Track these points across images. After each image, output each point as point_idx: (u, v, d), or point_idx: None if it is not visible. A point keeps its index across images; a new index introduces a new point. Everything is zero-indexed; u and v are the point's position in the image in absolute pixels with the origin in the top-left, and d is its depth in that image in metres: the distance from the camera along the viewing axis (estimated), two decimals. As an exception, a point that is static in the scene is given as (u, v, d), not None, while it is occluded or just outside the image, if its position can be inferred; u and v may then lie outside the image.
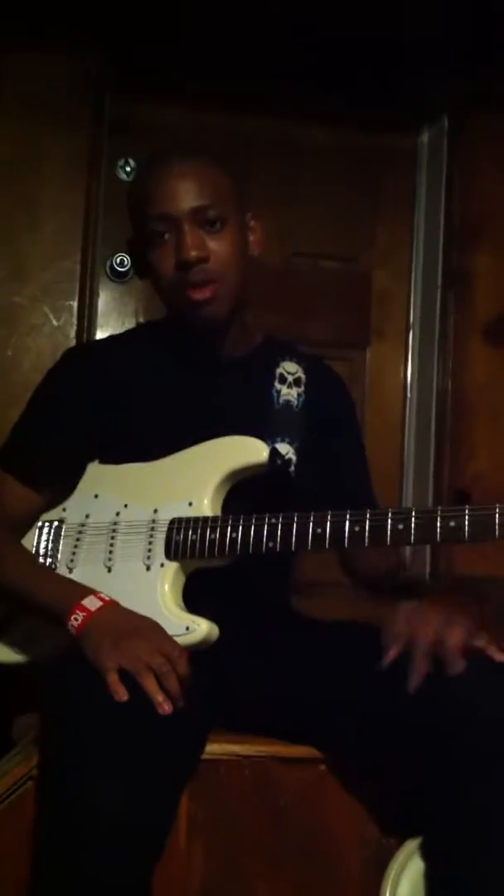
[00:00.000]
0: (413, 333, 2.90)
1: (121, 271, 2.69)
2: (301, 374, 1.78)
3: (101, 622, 1.50)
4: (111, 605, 1.53)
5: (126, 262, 2.68)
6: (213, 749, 1.55)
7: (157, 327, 1.83)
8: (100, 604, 1.52)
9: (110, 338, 1.91)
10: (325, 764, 1.57)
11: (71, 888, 1.33)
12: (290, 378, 1.75)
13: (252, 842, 1.56)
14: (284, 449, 1.71)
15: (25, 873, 1.39)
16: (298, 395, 1.73)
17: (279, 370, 1.77)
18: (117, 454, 1.71)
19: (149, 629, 1.50)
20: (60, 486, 1.74)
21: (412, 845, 1.47)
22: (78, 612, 1.51)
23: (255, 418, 1.70)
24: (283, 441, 1.71)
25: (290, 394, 1.73)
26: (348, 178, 2.86)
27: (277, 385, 1.74)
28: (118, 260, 2.69)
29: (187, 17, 2.47)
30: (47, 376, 1.79)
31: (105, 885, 1.33)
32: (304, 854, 1.56)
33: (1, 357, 2.50)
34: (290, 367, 1.78)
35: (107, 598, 1.54)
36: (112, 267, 2.70)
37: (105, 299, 2.71)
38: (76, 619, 1.51)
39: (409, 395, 2.88)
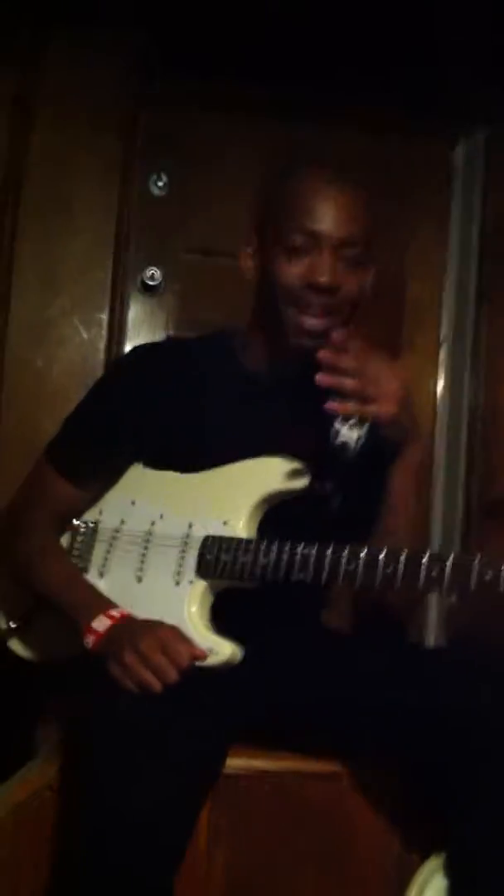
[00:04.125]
0: (445, 346, 2.87)
1: (151, 285, 2.69)
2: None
3: (112, 639, 1.52)
4: (120, 623, 1.54)
5: (157, 276, 2.68)
6: (235, 763, 1.55)
7: (233, 339, 1.79)
8: (108, 623, 1.54)
9: (178, 341, 1.89)
10: (347, 779, 1.56)
11: (93, 890, 1.34)
12: (352, 419, 1.64)
13: (272, 854, 1.56)
14: (333, 488, 1.68)
15: (42, 882, 1.39)
16: (358, 438, 1.62)
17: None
18: (162, 460, 1.70)
19: (158, 637, 1.49)
20: (102, 484, 1.73)
21: (435, 862, 1.46)
22: (89, 634, 1.54)
23: (311, 451, 1.64)
24: (331, 480, 1.68)
25: (349, 435, 1.65)
26: (382, 187, 2.83)
27: (337, 424, 1.61)
28: (149, 273, 2.69)
29: (222, 25, 2.47)
30: (108, 371, 1.79)
31: (127, 887, 1.34)
32: (324, 868, 1.56)
33: (31, 369, 2.51)
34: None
35: (116, 615, 1.55)
36: (143, 280, 2.70)
37: (135, 312, 2.70)
38: (88, 642, 1.54)
39: (439, 408, 2.85)
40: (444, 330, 2.88)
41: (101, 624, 1.54)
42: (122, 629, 1.52)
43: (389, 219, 2.82)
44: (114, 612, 1.55)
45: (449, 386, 2.85)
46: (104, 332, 2.58)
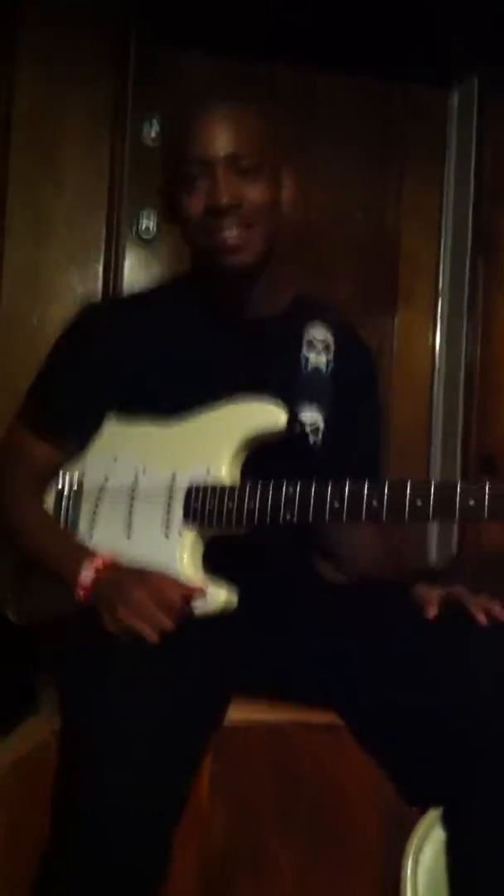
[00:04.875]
0: (442, 298, 2.85)
1: (146, 234, 2.66)
2: (330, 340, 1.74)
3: (101, 591, 1.51)
4: (106, 572, 1.53)
5: (151, 226, 2.65)
6: (234, 715, 1.55)
7: (182, 284, 1.79)
8: (93, 575, 1.53)
9: (132, 295, 1.89)
10: (345, 730, 1.56)
11: (91, 842, 1.34)
12: (319, 345, 1.70)
13: (272, 805, 1.57)
14: (313, 417, 1.67)
15: (44, 834, 1.40)
16: (327, 362, 1.69)
17: (307, 336, 1.73)
18: (135, 412, 1.69)
19: (148, 585, 1.48)
20: (78, 440, 1.72)
21: (433, 815, 1.46)
22: (77, 589, 1.53)
23: (284, 383, 1.66)
24: (311, 409, 1.68)
25: (318, 360, 1.69)
26: (375, 132, 2.81)
27: (306, 351, 1.69)
28: (144, 224, 2.66)
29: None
30: (65, 330, 1.77)
31: (127, 839, 1.34)
32: (322, 820, 1.57)
33: (27, 324, 2.50)
34: (318, 334, 1.73)
35: (100, 565, 1.53)
36: (137, 231, 2.67)
37: (131, 262, 2.69)
38: (78, 595, 1.53)
39: (437, 361, 2.83)
40: (442, 281, 2.86)
41: (87, 577, 1.53)
42: (110, 580, 1.52)
43: (383, 168, 2.81)
44: (97, 562, 1.54)
45: (446, 338, 2.83)
46: (100, 283, 2.58)
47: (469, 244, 2.76)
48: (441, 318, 2.86)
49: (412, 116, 2.84)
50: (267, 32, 2.58)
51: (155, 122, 2.69)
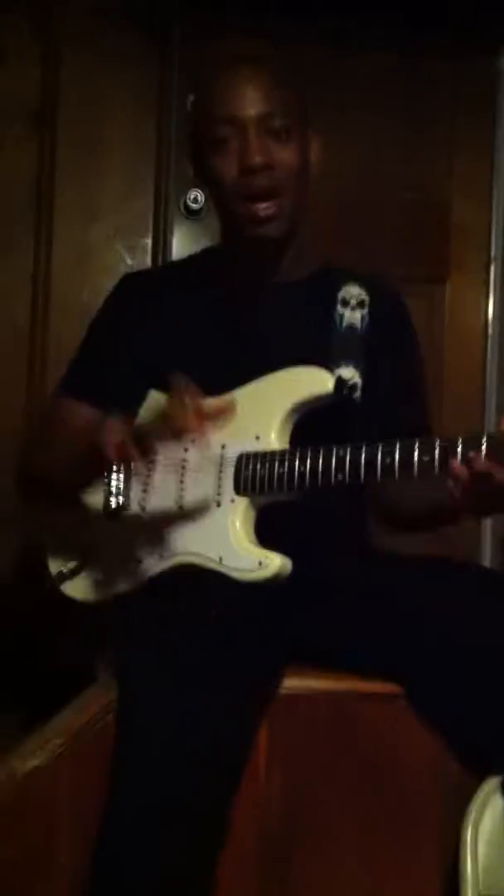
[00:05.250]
0: (495, 266, 2.80)
1: (195, 208, 2.65)
2: (364, 295, 1.73)
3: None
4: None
5: (200, 199, 2.64)
6: (291, 683, 1.54)
7: (215, 253, 1.80)
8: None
9: (169, 264, 1.89)
10: (404, 700, 1.54)
11: (148, 814, 1.34)
12: (353, 301, 1.69)
13: (330, 775, 1.56)
14: (349, 374, 1.66)
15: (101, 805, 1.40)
16: (362, 317, 1.68)
17: (341, 293, 1.72)
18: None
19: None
20: (116, 401, 1.68)
21: (494, 782, 1.45)
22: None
23: (318, 343, 1.66)
24: (347, 366, 1.67)
25: (353, 316, 1.68)
26: (424, 103, 2.76)
27: (340, 308, 1.69)
28: (192, 196, 2.65)
29: None
30: (104, 302, 1.78)
31: (183, 809, 1.34)
32: (382, 790, 1.55)
33: (76, 299, 2.50)
34: (352, 290, 1.73)
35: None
36: (186, 204, 2.66)
37: (179, 237, 2.67)
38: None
39: (490, 331, 2.79)
40: (494, 250, 2.81)
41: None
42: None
43: (432, 135, 2.76)
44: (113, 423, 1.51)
45: (499, 307, 2.79)
46: (148, 259, 2.58)
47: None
48: (494, 287, 2.80)
49: (460, 84, 2.78)
50: (306, 10, 2.54)
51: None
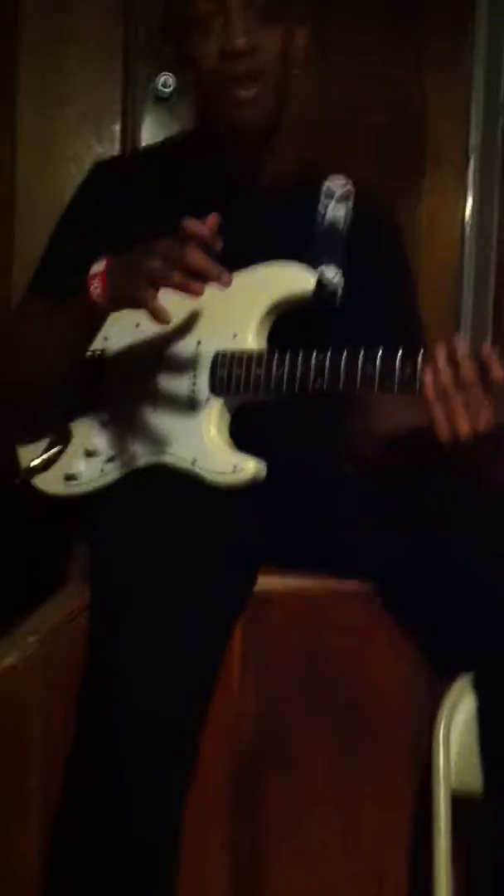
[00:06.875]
0: (473, 160, 2.73)
1: (165, 93, 2.57)
2: (350, 186, 1.66)
3: (118, 273, 1.44)
4: (115, 260, 1.47)
5: (170, 83, 2.55)
6: (263, 583, 1.54)
7: (191, 139, 1.73)
8: (103, 266, 1.46)
9: (142, 151, 1.83)
10: (377, 599, 1.55)
11: (118, 719, 1.33)
12: (337, 192, 1.63)
13: (304, 680, 1.56)
14: (331, 272, 1.60)
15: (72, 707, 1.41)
16: (347, 211, 1.62)
17: (326, 183, 1.66)
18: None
19: (163, 242, 1.42)
20: None
21: (465, 679, 1.46)
22: (93, 283, 1.46)
23: (298, 238, 1.61)
24: (328, 264, 1.60)
25: (337, 210, 1.62)
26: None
27: (324, 200, 1.62)
28: (162, 80, 2.56)
29: None
30: (75, 192, 1.73)
31: (154, 718, 1.33)
32: (352, 693, 1.56)
33: (43, 186, 2.43)
34: (338, 181, 1.66)
35: (107, 260, 1.47)
36: (156, 89, 2.58)
37: (149, 122, 2.59)
38: (96, 288, 1.46)
39: (467, 230, 2.73)
40: (473, 140, 2.74)
41: (97, 268, 1.46)
42: (121, 261, 1.45)
43: (408, 24, 2.65)
44: (104, 260, 1.47)
45: (478, 205, 2.73)
46: (117, 146, 2.50)
47: (501, 99, 2.63)
48: (473, 182, 2.74)
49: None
50: None
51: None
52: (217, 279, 1.38)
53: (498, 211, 2.65)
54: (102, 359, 1.66)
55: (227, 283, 1.39)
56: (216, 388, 1.53)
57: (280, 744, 1.56)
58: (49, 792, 1.42)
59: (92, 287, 1.46)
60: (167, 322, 1.40)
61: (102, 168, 1.79)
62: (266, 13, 1.52)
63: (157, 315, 1.39)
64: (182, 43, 1.58)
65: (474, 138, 2.72)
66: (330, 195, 1.63)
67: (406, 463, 1.60)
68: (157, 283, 1.39)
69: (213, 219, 1.42)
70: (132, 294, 1.41)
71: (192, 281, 1.37)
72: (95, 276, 1.46)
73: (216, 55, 1.52)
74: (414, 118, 2.67)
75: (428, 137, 2.70)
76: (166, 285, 1.38)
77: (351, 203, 1.64)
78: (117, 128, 2.48)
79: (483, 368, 1.34)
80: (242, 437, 1.54)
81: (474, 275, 2.73)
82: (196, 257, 1.37)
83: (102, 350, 1.66)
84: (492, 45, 2.68)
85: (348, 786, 1.57)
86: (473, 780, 1.44)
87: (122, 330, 1.64)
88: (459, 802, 1.43)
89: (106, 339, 1.66)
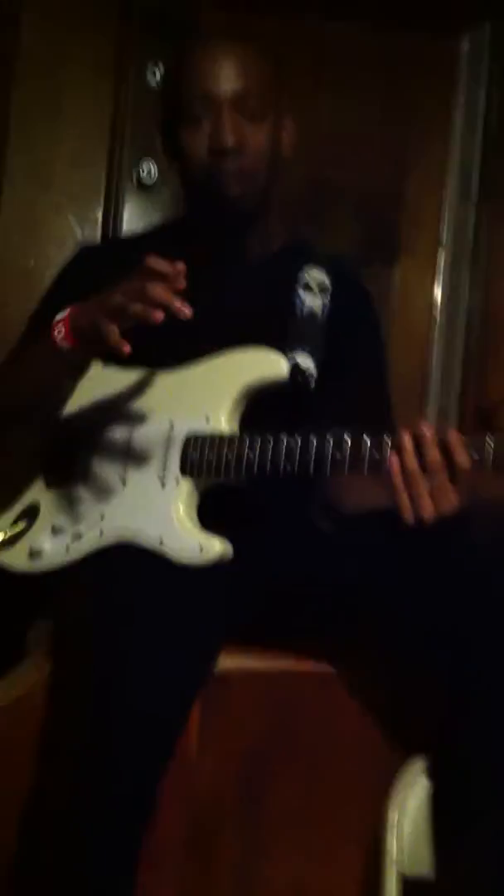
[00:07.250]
0: (444, 250, 2.82)
1: (147, 182, 2.63)
2: (327, 282, 1.73)
3: (81, 314, 1.49)
4: (78, 307, 1.51)
5: (153, 172, 2.61)
6: (226, 663, 1.55)
7: (177, 227, 1.79)
8: (68, 310, 1.51)
9: (127, 236, 1.88)
10: (337, 680, 1.57)
11: (79, 776, 1.34)
12: (315, 286, 1.69)
13: (261, 755, 1.57)
14: (305, 362, 1.65)
15: (33, 777, 1.41)
16: (323, 304, 1.68)
17: (305, 276, 1.72)
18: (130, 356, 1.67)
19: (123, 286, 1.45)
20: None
21: (419, 763, 1.47)
22: (57, 327, 1.50)
23: (276, 326, 1.65)
24: (303, 352, 1.65)
25: (314, 302, 1.68)
26: (380, 83, 2.75)
27: (301, 292, 1.69)
28: (145, 170, 2.63)
29: None
30: (58, 273, 1.77)
31: (115, 774, 1.34)
32: (314, 770, 1.57)
33: (23, 268, 2.47)
34: (316, 275, 1.72)
35: (71, 309, 1.52)
36: (138, 176, 2.64)
37: (131, 209, 2.64)
38: (59, 333, 1.50)
39: (436, 313, 2.81)
40: (444, 233, 2.82)
41: (60, 316, 1.50)
42: (85, 306, 1.49)
43: (387, 116, 2.75)
44: (68, 309, 1.52)
45: (447, 291, 2.81)
46: (99, 231, 2.54)
47: (474, 195, 2.72)
48: (444, 269, 2.82)
49: (420, 68, 2.77)
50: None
51: (159, 68, 2.64)
52: (177, 310, 1.40)
53: (467, 298, 2.73)
54: (71, 439, 1.68)
55: (188, 316, 1.40)
56: (187, 469, 1.55)
57: (237, 808, 1.56)
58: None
59: (56, 331, 1.51)
60: (126, 355, 1.41)
61: (87, 251, 1.85)
62: (255, 113, 1.61)
63: (118, 348, 1.41)
64: (173, 137, 1.66)
65: (445, 230, 2.81)
66: (308, 287, 1.69)
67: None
68: (117, 316, 1.42)
69: (180, 264, 1.43)
70: (93, 328, 1.44)
71: (153, 310, 1.39)
72: (59, 321, 1.51)
73: (205, 152, 1.60)
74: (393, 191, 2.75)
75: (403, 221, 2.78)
76: (126, 317, 1.41)
77: (328, 297, 1.70)
78: (99, 214, 2.53)
79: (448, 453, 1.38)
80: (212, 511, 1.56)
81: (443, 355, 2.80)
82: (156, 289, 1.39)
83: (71, 429, 1.69)
84: (465, 147, 2.78)
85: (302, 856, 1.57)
86: (424, 864, 1.44)
87: (96, 405, 1.67)
88: (411, 885, 1.43)
89: (79, 412, 1.69)
